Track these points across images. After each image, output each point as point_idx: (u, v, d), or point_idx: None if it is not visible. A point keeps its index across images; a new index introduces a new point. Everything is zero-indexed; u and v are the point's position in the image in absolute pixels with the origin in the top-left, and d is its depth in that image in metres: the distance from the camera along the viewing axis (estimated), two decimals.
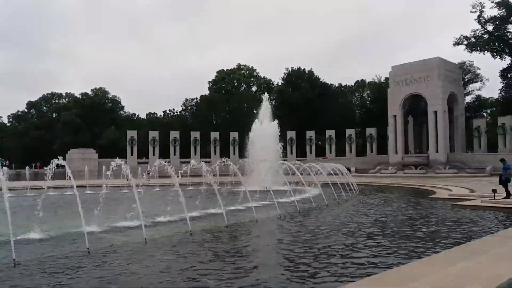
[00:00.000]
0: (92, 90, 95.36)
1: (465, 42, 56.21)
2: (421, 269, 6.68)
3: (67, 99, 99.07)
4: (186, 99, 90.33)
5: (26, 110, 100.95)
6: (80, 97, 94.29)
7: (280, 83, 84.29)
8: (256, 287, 6.65)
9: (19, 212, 16.87)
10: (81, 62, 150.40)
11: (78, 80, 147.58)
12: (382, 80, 74.15)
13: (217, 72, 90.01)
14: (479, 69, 63.34)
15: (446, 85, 49.59)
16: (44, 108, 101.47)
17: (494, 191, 17.37)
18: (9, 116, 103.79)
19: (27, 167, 41.98)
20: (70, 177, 11.87)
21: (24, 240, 10.49)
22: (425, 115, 50.74)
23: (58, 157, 11.74)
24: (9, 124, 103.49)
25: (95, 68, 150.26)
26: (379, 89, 69.58)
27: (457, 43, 56.76)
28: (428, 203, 19.70)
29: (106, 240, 10.84)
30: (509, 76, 58.53)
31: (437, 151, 48.57)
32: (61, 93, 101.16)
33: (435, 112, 48.56)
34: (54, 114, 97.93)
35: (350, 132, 61.78)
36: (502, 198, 17.07)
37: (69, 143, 71.97)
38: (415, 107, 53.68)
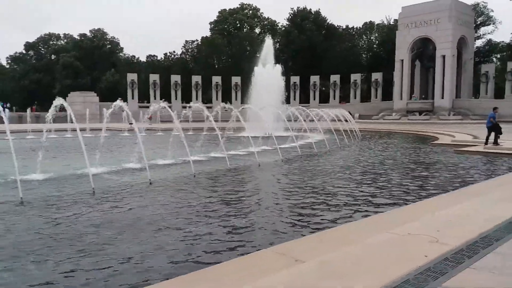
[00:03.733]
0: (90, 31, 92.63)
1: None
2: (419, 211, 6.79)
3: (65, 41, 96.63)
4: (187, 41, 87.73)
5: (24, 52, 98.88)
6: (79, 38, 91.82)
7: (285, 25, 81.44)
8: (249, 227, 6.79)
9: (22, 154, 17.07)
10: (78, 1, 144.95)
11: (75, 20, 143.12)
12: (392, 22, 71.48)
13: (218, 12, 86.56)
14: (492, 11, 60.93)
15: (457, 28, 47.85)
16: (42, 49, 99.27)
17: (487, 138, 17.60)
18: (7, 57, 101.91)
19: (28, 110, 42.02)
20: (72, 120, 11.79)
21: (29, 181, 10.66)
22: (433, 60, 49.52)
23: (59, 97, 11.57)
24: (7, 66, 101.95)
25: (91, 7, 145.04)
26: (388, 32, 67.26)
27: None
28: (430, 149, 19.77)
29: (111, 181, 11.01)
30: None
31: (442, 97, 47.99)
32: (59, 34, 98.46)
33: (443, 57, 47.32)
34: (52, 56, 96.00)
35: (355, 77, 60.70)
36: (492, 145, 17.19)
37: (69, 87, 71.25)
38: (423, 51, 52.22)
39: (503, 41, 66.01)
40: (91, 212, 7.77)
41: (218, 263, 4.63)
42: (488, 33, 63.48)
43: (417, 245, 4.72)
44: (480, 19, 60.63)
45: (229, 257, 5.19)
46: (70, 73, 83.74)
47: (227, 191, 9.86)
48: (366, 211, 7.84)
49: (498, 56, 69.08)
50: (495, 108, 18.21)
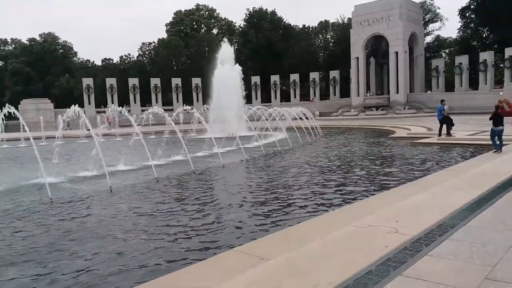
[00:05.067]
0: (40, 35, 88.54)
1: None
2: (379, 203, 7.03)
3: (13, 46, 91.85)
4: (143, 43, 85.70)
5: None
6: (28, 43, 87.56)
7: (242, 25, 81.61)
8: (214, 229, 6.77)
9: None
10: (24, 4, 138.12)
11: (23, 24, 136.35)
12: (346, 21, 73.45)
13: (174, 14, 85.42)
14: (439, 8, 64.23)
15: (407, 25, 49.88)
16: None
17: (440, 130, 18.57)
18: None
19: None
20: (25, 129, 11.23)
21: None
22: (386, 56, 51.34)
23: (9, 105, 10.97)
24: None
25: (40, 11, 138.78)
26: (343, 31, 69.02)
27: None
28: (388, 142, 20.50)
29: (69, 189, 10.59)
30: (467, 15, 59.57)
31: (397, 92, 49.85)
32: (6, 39, 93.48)
33: (396, 53, 49.17)
34: (0, 62, 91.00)
35: (313, 75, 61.81)
36: (445, 136, 18.10)
37: (20, 94, 67.83)
38: (377, 48, 54.04)
39: (450, 37, 69.71)
40: (49, 223, 7.43)
41: (180, 268, 4.57)
42: (436, 30, 66.95)
43: (378, 236, 4.87)
44: (428, 16, 63.67)
45: (192, 261, 5.14)
46: (20, 79, 79.76)
47: (190, 194, 9.75)
48: (329, 205, 8.01)
49: (447, 51, 72.76)
50: (442, 101, 19.08)
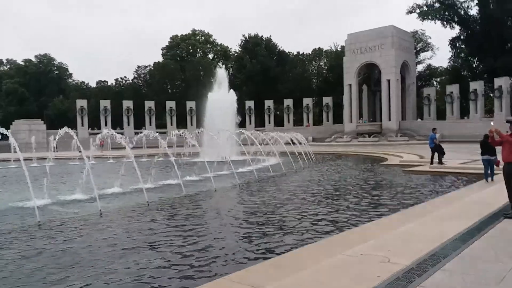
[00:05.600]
0: (36, 56, 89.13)
1: (418, 11, 57.76)
2: (371, 231, 6.98)
3: (8, 66, 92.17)
4: (139, 66, 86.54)
5: None
6: (24, 64, 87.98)
7: (237, 51, 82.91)
8: (205, 256, 6.66)
9: None
10: (20, 25, 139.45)
11: (18, 45, 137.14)
12: (339, 48, 74.97)
13: (170, 38, 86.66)
14: (430, 38, 65.87)
15: (399, 53, 51.01)
16: None
17: (432, 158, 18.71)
18: None
19: None
20: (15, 149, 11.12)
21: None
22: (379, 84, 52.21)
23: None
24: None
25: (37, 32, 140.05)
26: (336, 58, 70.35)
27: (410, 11, 58.39)
28: (380, 170, 20.57)
29: (57, 213, 10.40)
30: (457, 45, 61.13)
31: (389, 120, 50.43)
32: (1, 60, 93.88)
33: (389, 81, 50.04)
34: None
35: (307, 101, 62.50)
36: (437, 164, 18.21)
37: (14, 114, 67.60)
38: (370, 75, 55.03)
39: (441, 66, 71.28)
40: (35, 248, 7.26)
41: None
42: (428, 59, 68.42)
43: (370, 265, 4.82)
44: (419, 45, 65.22)
45: None
46: (14, 99, 79.68)
47: (181, 219, 9.62)
48: (321, 232, 7.93)
49: (438, 80, 74.24)
50: (434, 129, 19.31)
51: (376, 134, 50.26)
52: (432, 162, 18.54)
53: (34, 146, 35.21)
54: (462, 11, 57.42)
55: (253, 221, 9.16)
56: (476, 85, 47.86)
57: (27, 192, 9.81)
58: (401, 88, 52.70)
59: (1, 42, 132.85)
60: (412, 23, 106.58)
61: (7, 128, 11.91)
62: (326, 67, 79.83)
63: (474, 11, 57.04)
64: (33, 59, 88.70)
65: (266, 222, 8.99)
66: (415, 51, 60.17)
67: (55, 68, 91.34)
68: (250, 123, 62.52)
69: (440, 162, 18.31)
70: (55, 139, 12.03)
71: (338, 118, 61.15)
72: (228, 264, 6.22)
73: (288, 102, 62.87)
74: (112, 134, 13.84)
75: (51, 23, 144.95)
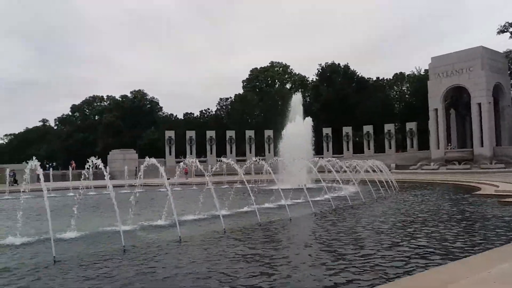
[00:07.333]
0: (131, 92, 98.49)
1: (511, 29, 53.14)
2: (459, 271, 6.31)
3: (108, 102, 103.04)
4: (221, 99, 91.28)
5: (70, 114, 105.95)
6: (120, 99, 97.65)
7: (314, 79, 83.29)
8: (286, 285, 6.53)
9: (58, 210, 17.73)
10: (120, 67, 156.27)
11: (117, 84, 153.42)
12: (422, 72, 71.53)
13: (250, 71, 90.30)
14: None
15: (491, 75, 47.07)
16: (87, 111, 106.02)
17: None
18: (55, 119, 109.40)
19: (70, 168, 44.18)
20: (107, 177, 12.27)
21: (61, 239, 10.91)
22: (468, 108, 48.45)
23: (93, 158, 12.12)
24: (55, 128, 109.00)
25: (133, 73, 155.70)
26: (419, 82, 67.16)
27: (501, 31, 53.84)
28: (472, 200, 18.73)
29: (141, 238, 11.09)
30: None
31: (482, 145, 46.24)
32: (102, 96, 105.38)
33: (479, 104, 46.24)
34: (96, 116, 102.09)
35: (389, 127, 60.07)
36: None
37: (111, 144, 74.72)
38: (457, 99, 51.34)
39: None
40: (121, 271, 7.78)
41: None
42: None
43: None
44: None
45: None
46: (111, 131, 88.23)
47: (257, 249, 9.63)
48: (407, 269, 7.35)
49: None
50: None
51: (467, 161, 46.26)
52: None
53: (127, 174, 38.30)
54: None
55: (329, 257, 8.83)
56: None
57: (115, 217, 10.64)
58: (494, 111, 48.27)
59: (103, 80, 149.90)
60: (505, 43, 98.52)
61: (106, 156, 13.32)
62: (409, 92, 76.46)
63: None
64: (129, 95, 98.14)
65: (343, 256, 8.61)
66: (509, 71, 55.07)
67: (147, 102, 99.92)
68: (328, 150, 61.68)
69: None
70: (136, 168, 13.06)
71: (422, 145, 57.62)
72: None
73: (368, 128, 61.01)
74: (192, 162, 14.59)
75: (144, 64, 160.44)
